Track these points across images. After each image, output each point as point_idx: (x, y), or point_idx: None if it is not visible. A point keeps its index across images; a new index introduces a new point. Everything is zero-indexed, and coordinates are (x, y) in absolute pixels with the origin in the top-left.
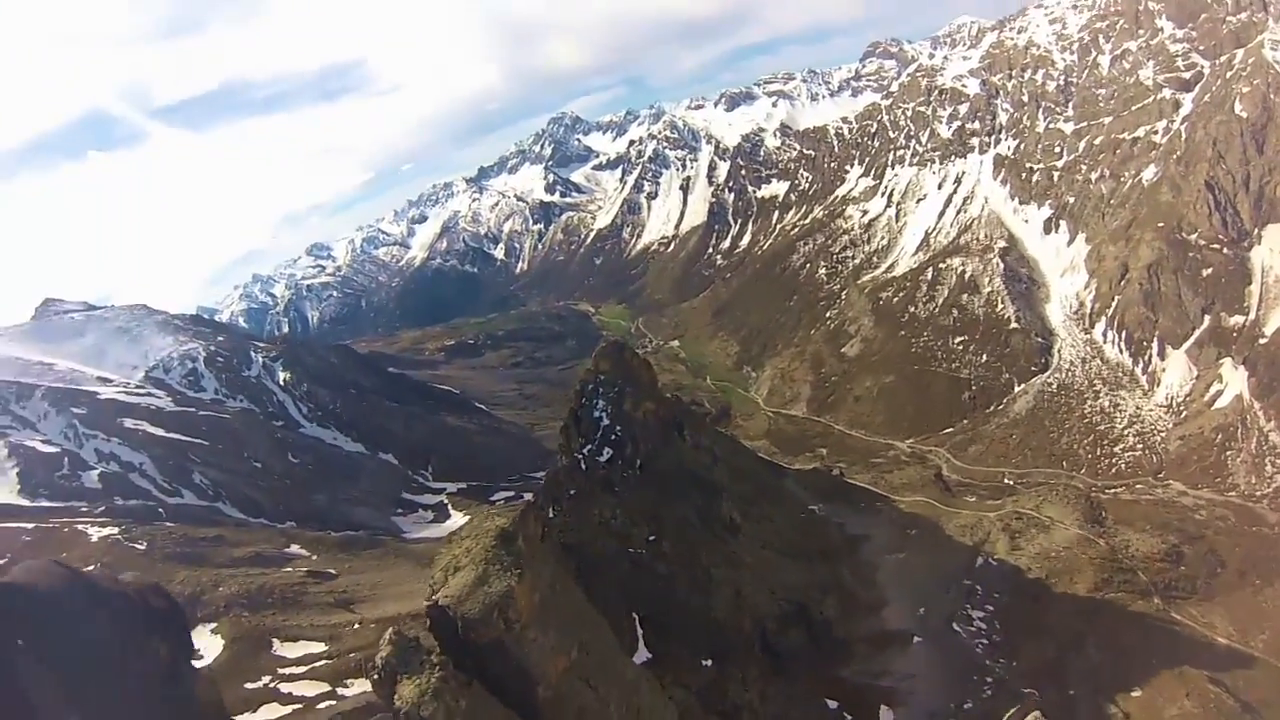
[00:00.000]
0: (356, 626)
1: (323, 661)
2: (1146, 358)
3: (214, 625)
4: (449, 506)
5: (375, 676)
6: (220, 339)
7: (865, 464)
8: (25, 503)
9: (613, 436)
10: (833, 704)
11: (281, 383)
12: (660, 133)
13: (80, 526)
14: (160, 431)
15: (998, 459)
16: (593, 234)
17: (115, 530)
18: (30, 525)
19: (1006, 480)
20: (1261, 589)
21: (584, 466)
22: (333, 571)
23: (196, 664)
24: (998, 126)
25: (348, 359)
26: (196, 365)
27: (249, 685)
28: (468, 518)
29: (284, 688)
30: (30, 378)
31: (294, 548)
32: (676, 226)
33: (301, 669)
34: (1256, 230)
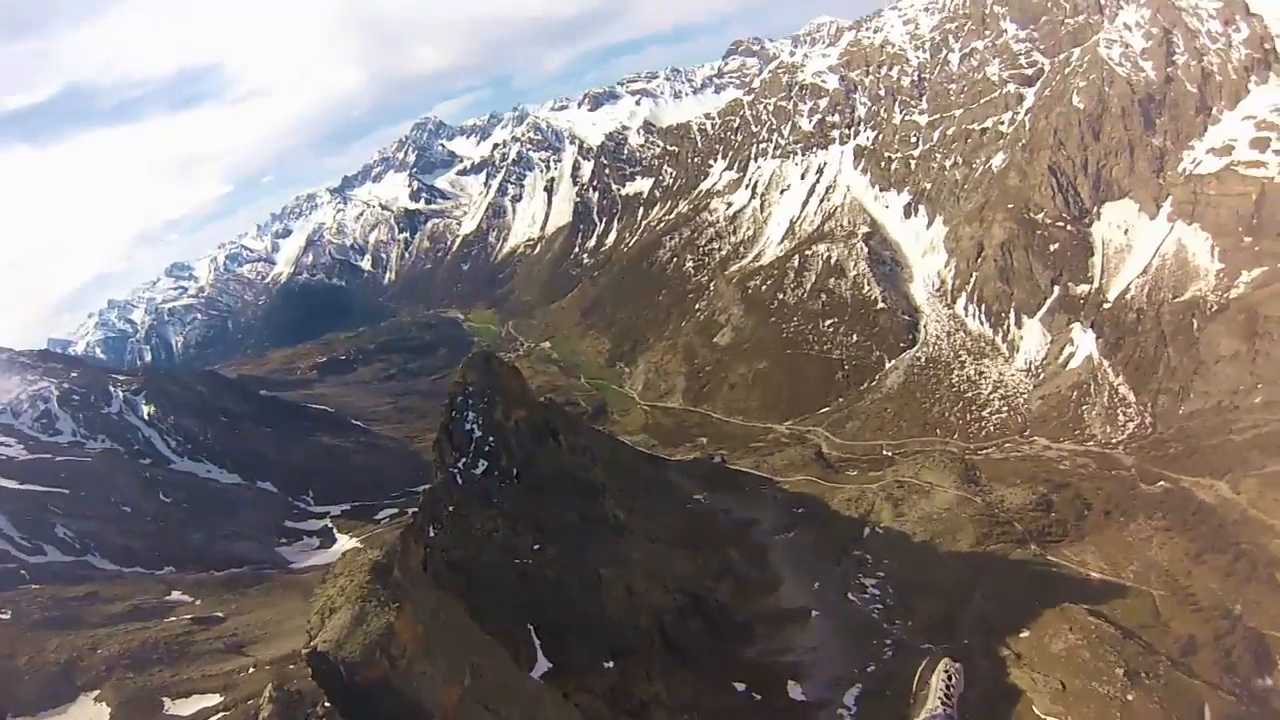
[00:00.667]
0: (252, 671)
1: (220, 714)
2: (1005, 327)
3: (96, 693)
4: (334, 530)
5: None
6: (74, 374)
7: (746, 449)
8: None
9: (486, 447)
10: (740, 686)
11: (145, 417)
12: (524, 135)
13: None
14: (13, 484)
15: (875, 432)
16: (459, 240)
17: None
18: None
19: (885, 452)
20: (1125, 525)
21: (460, 480)
22: (220, 615)
23: None
24: (857, 119)
25: (215, 385)
26: (49, 406)
27: None
28: (355, 540)
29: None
30: None
31: (175, 594)
32: (542, 228)
33: None
34: (1095, 208)
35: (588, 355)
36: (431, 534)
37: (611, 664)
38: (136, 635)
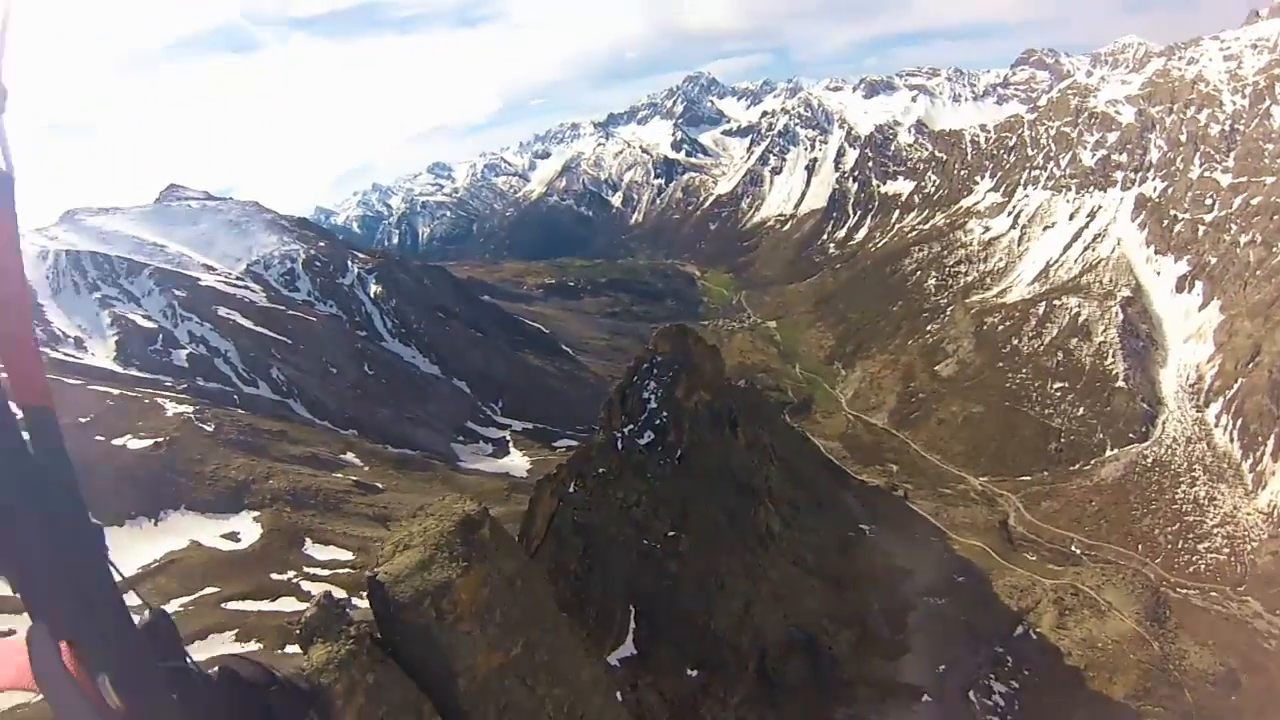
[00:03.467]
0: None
1: (346, 570)
2: (1258, 454)
3: (257, 514)
4: (510, 443)
5: (298, 633)
6: (321, 244)
7: (933, 491)
8: (118, 369)
9: (657, 421)
10: None
11: (372, 295)
12: (794, 109)
13: (160, 400)
14: (249, 323)
15: (1071, 522)
16: (712, 198)
17: (190, 409)
18: (116, 392)
19: (1074, 548)
20: None
21: (620, 446)
22: (379, 485)
23: (232, 546)
24: (1147, 164)
25: (441, 282)
26: (294, 266)
27: (274, 575)
28: (526, 458)
29: (305, 585)
30: (142, 256)
31: (349, 455)
32: (796, 206)
33: (325, 572)
34: None
35: (809, 346)
36: (571, 489)
37: (695, 673)
38: (305, 478)
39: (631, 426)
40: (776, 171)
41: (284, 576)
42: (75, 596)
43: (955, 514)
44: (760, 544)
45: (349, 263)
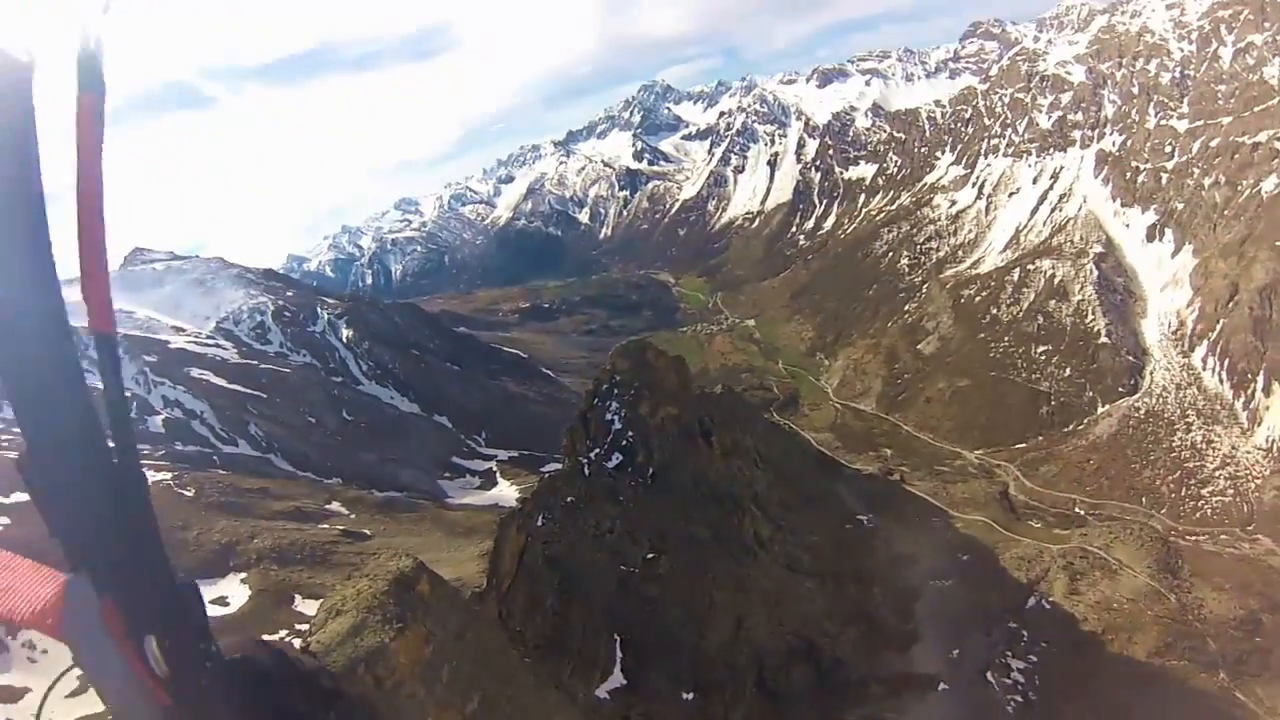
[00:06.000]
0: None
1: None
2: (1250, 392)
3: (244, 575)
4: (497, 474)
5: None
6: (289, 294)
7: (929, 471)
8: None
9: (624, 441)
10: None
11: (344, 340)
12: (750, 106)
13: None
14: (223, 382)
15: (1071, 484)
16: (678, 204)
17: (169, 476)
18: None
19: (1077, 509)
20: None
21: (587, 472)
22: (367, 532)
23: (220, 611)
24: (1103, 120)
25: (413, 318)
26: (264, 319)
27: (265, 636)
28: (514, 487)
29: (296, 642)
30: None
31: (334, 505)
32: (762, 202)
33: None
34: None
35: (790, 340)
36: (539, 522)
37: (692, 696)
38: (289, 534)
39: (597, 450)
40: (739, 170)
41: (274, 636)
42: (124, 545)
43: (954, 491)
44: (748, 553)
45: (318, 309)
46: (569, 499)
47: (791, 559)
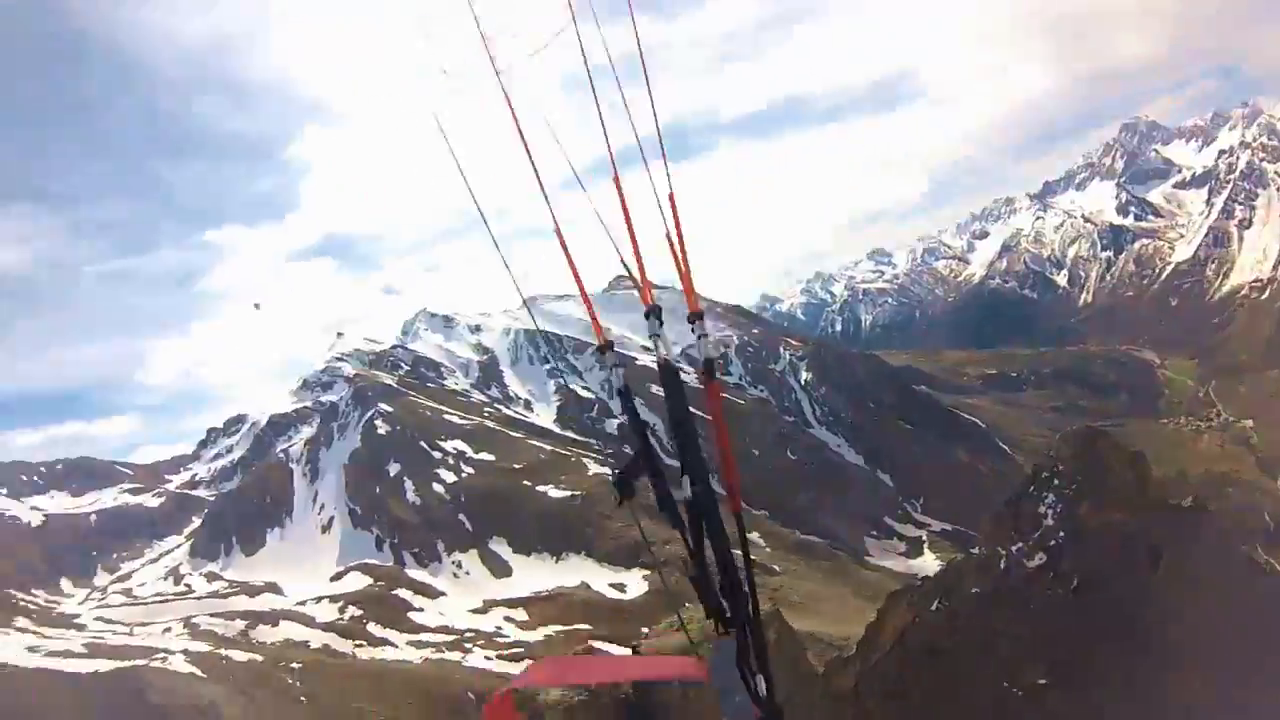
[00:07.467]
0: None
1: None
2: None
3: (646, 573)
4: (925, 543)
5: None
6: (755, 331)
7: None
8: (556, 430)
9: (1051, 542)
10: None
11: (802, 382)
12: (1256, 139)
13: (586, 460)
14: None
15: None
16: (1170, 268)
17: (609, 471)
18: (549, 448)
19: None
20: None
21: (1003, 566)
22: (776, 568)
23: (616, 595)
24: None
25: (874, 371)
26: (728, 351)
27: (643, 629)
28: (939, 560)
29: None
30: (587, 337)
31: (752, 535)
32: (1275, 268)
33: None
34: None
35: None
36: (934, 606)
37: None
38: None
39: (1020, 545)
40: (1245, 225)
41: (648, 630)
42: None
43: None
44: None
45: (781, 349)
46: (974, 590)
47: None
